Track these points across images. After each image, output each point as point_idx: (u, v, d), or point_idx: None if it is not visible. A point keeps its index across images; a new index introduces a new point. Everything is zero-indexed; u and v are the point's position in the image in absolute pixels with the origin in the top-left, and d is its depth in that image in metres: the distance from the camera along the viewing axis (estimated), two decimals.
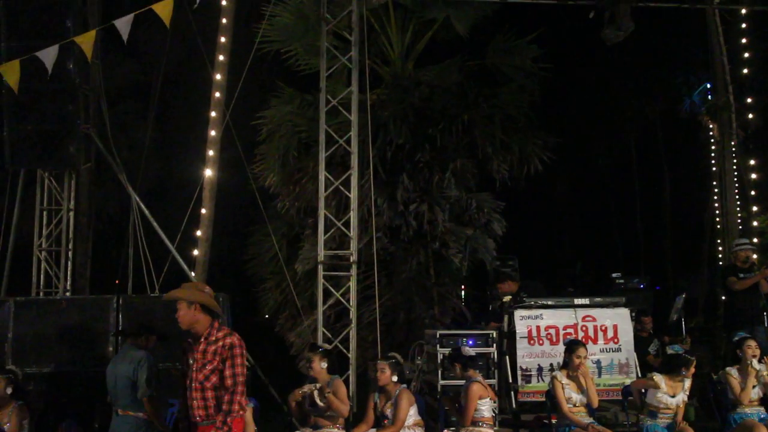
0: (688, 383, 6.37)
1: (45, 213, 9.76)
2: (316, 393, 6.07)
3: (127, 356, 5.85)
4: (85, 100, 9.00)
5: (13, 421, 6.08)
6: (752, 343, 6.57)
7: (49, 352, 7.14)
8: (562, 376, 6.32)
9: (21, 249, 9.72)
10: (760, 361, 6.52)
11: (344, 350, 8.33)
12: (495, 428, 6.37)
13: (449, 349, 7.19)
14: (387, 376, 6.22)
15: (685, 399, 6.36)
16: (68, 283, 9.69)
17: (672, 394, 6.26)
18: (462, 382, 6.47)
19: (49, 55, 6.94)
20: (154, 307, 7.50)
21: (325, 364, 6.28)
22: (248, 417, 5.95)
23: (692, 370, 6.37)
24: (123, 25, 6.75)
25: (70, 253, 9.73)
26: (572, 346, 6.45)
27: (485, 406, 6.12)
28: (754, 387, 6.49)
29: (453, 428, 6.24)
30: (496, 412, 6.65)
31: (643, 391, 6.46)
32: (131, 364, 5.74)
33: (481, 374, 6.56)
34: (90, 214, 10.53)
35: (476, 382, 6.16)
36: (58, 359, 7.12)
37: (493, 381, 7.22)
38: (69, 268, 9.72)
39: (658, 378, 6.28)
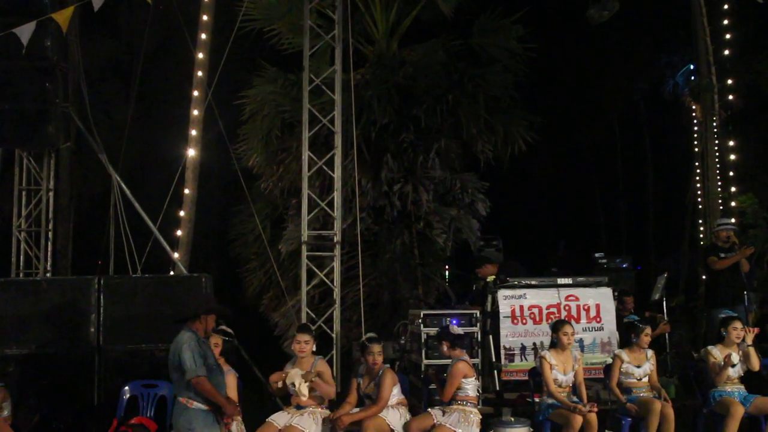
0: (650, 353, 6.59)
1: (24, 193, 9.64)
2: (301, 384, 6.09)
3: (176, 340, 5.39)
4: (64, 78, 8.86)
5: None
6: (738, 324, 6.65)
7: (30, 334, 7.05)
8: (550, 357, 6.37)
9: (0, 230, 9.61)
10: (743, 341, 6.62)
11: (328, 330, 8.33)
12: (479, 407, 6.41)
13: (433, 328, 7.21)
14: (382, 357, 6.26)
15: (653, 368, 6.53)
16: (49, 263, 9.60)
17: (637, 365, 6.50)
18: (448, 361, 6.49)
19: (25, 32, 6.80)
20: (137, 287, 7.46)
21: (314, 347, 6.33)
22: (232, 383, 5.93)
23: (646, 338, 6.58)
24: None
25: (50, 234, 9.63)
26: (558, 325, 6.52)
27: (470, 386, 6.15)
28: (734, 366, 6.57)
29: (437, 407, 6.27)
30: (480, 390, 6.69)
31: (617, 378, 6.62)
32: (175, 348, 5.31)
33: (466, 353, 6.58)
34: (71, 195, 10.41)
35: (462, 360, 6.19)
36: (38, 341, 7.05)
37: (477, 360, 7.26)
38: (49, 249, 9.63)
39: (618, 351, 6.68)
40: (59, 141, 8.90)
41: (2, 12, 8.20)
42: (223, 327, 6.47)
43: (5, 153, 9.53)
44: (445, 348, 6.44)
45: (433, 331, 7.19)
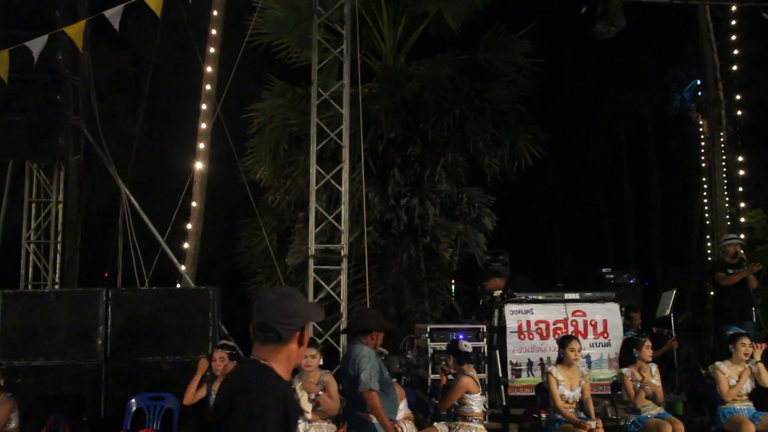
0: (654, 368, 6.54)
1: (33, 205, 9.69)
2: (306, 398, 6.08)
3: (351, 353, 5.33)
4: (75, 91, 8.93)
5: (2, 413, 6.04)
6: (746, 341, 6.61)
7: (38, 345, 7.09)
8: (557, 372, 6.34)
9: (9, 241, 9.65)
10: (751, 357, 6.58)
11: (335, 344, 8.32)
12: (485, 422, 6.38)
13: (440, 343, 7.20)
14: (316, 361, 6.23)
15: (658, 384, 6.48)
16: (57, 275, 9.63)
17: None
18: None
19: (37, 45, 6.86)
20: (144, 300, 7.48)
21: (321, 361, 6.32)
22: None
23: (647, 351, 6.49)
24: (113, 15, 6.69)
25: (58, 246, 9.67)
26: (565, 341, 6.49)
27: (475, 402, 6.12)
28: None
29: (443, 422, 6.25)
30: (486, 406, 6.67)
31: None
32: (354, 360, 5.19)
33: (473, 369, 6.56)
34: (79, 207, 10.46)
35: (467, 376, 6.17)
36: (46, 352, 7.08)
37: (484, 375, 7.24)
38: (58, 261, 9.66)
39: (624, 370, 6.56)
40: (69, 153, 8.96)
41: (14, 25, 8.30)
42: (225, 341, 6.50)
43: (15, 165, 9.59)
44: (450, 361, 6.43)
45: (439, 345, 7.18)
